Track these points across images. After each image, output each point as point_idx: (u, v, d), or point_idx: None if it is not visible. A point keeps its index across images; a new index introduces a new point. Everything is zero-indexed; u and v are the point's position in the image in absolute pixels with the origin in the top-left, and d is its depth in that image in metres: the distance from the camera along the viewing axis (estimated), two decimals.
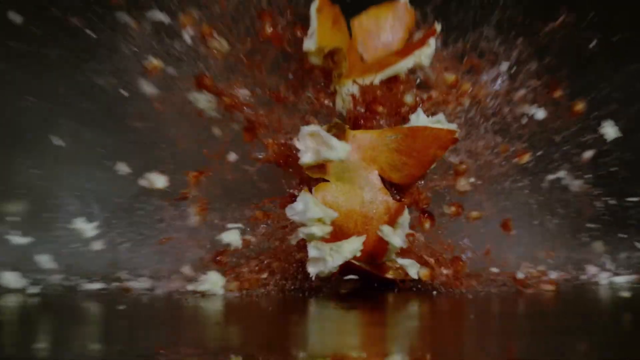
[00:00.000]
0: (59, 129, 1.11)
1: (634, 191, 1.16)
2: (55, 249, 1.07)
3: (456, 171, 0.97)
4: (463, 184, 0.97)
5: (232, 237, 0.92)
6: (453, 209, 0.96)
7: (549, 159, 1.14)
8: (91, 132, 1.11)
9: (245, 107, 0.96)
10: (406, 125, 0.90)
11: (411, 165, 0.90)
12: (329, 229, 0.86)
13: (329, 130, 0.88)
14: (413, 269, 0.89)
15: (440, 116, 0.90)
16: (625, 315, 0.87)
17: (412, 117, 0.90)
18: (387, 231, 0.88)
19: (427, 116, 0.90)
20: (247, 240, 0.95)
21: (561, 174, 1.13)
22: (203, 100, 0.98)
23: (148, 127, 1.07)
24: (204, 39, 0.98)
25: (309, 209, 0.86)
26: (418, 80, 0.98)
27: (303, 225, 0.86)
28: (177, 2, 1.02)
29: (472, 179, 1.00)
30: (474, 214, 1.01)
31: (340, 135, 0.89)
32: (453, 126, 0.90)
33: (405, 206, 0.89)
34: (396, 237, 0.89)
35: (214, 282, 0.90)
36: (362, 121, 0.93)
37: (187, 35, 1.01)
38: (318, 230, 0.86)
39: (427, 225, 0.92)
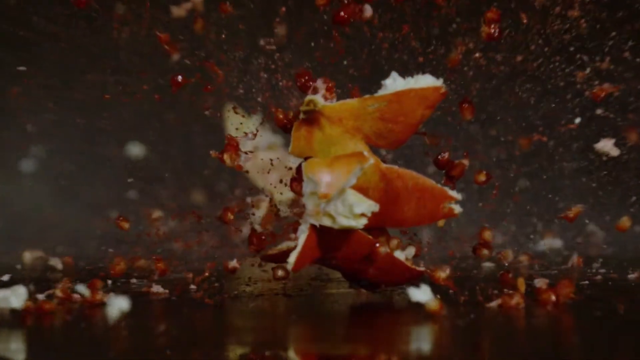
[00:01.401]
0: None
1: None
2: None
3: None
4: None
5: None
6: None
7: None
8: None
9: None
10: (386, 92, 0.86)
11: (398, 131, 0.87)
12: (365, 221, 0.84)
13: (303, 113, 0.86)
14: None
15: (419, 76, 0.86)
16: None
17: (387, 82, 0.86)
18: None
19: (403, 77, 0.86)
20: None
21: None
22: None
23: None
24: None
25: (355, 205, 0.84)
26: None
27: (343, 217, 0.84)
28: None
29: None
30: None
31: (314, 116, 0.86)
32: (438, 82, 0.86)
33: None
34: None
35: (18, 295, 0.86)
36: (343, 13, 0.90)
37: None
38: (357, 223, 0.84)
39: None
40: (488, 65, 1.21)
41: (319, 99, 0.87)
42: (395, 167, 0.88)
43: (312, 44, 1.13)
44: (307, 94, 0.87)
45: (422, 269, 0.89)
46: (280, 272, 0.91)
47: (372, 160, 0.85)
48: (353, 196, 0.84)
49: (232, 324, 0.85)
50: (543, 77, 1.23)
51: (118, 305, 0.84)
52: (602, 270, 1.08)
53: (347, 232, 0.85)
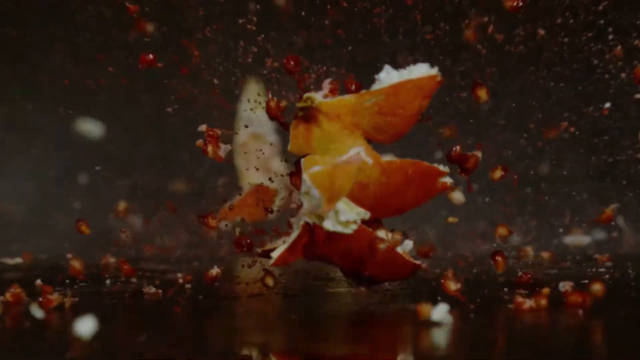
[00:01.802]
0: None
1: None
2: None
3: None
4: None
5: None
6: None
7: None
8: None
9: None
10: (381, 85, 0.89)
11: (397, 124, 0.89)
12: (356, 226, 0.88)
13: (300, 110, 0.89)
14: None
15: (413, 66, 0.89)
16: None
17: (381, 76, 0.89)
18: None
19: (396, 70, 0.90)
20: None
21: None
22: None
23: None
24: None
25: (341, 212, 0.87)
26: None
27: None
28: None
29: None
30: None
31: (312, 113, 0.89)
32: (433, 71, 0.89)
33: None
34: None
35: None
36: None
37: None
38: (345, 229, 0.87)
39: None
40: (505, 42, 1.17)
41: (315, 95, 0.89)
42: (394, 158, 0.90)
43: (303, 13, 1.12)
44: (295, 78, 0.91)
45: (418, 262, 0.93)
46: (268, 280, 0.94)
47: (370, 160, 0.87)
48: (341, 203, 0.87)
49: (231, 325, 0.87)
50: (567, 55, 1.19)
51: (83, 327, 0.79)
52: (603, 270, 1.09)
53: None
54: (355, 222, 0.87)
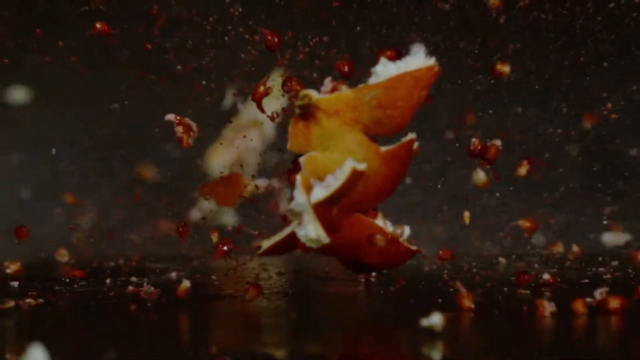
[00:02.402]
0: None
1: None
2: None
3: None
4: None
5: None
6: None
7: None
8: None
9: None
10: (379, 79, 0.91)
11: (397, 117, 0.92)
12: (319, 245, 0.92)
13: (298, 108, 0.93)
14: None
15: (409, 58, 0.91)
16: None
17: (378, 69, 0.92)
18: None
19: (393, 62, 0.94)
20: None
21: None
22: None
23: None
24: None
25: (305, 229, 0.88)
26: None
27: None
28: None
29: None
30: None
31: (310, 111, 0.92)
32: (430, 61, 0.92)
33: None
34: None
35: None
36: None
37: None
38: (312, 244, 0.90)
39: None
40: (532, 9, 1.14)
41: (313, 92, 0.92)
42: (390, 146, 0.94)
43: None
44: (275, 53, 0.94)
45: (415, 248, 0.96)
46: (252, 292, 0.96)
47: (364, 165, 0.90)
48: (311, 218, 0.89)
49: (230, 324, 0.89)
50: (599, 28, 1.11)
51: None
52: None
53: (346, 217, 0.92)
54: (317, 241, 0.89)
